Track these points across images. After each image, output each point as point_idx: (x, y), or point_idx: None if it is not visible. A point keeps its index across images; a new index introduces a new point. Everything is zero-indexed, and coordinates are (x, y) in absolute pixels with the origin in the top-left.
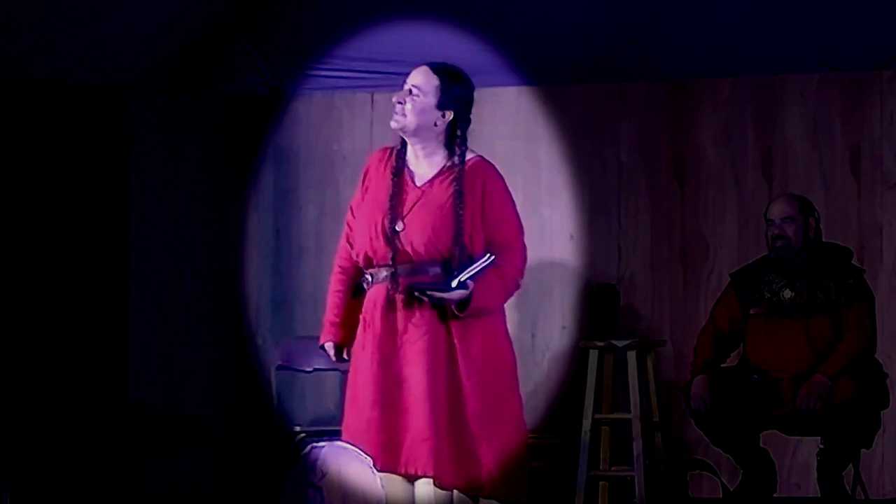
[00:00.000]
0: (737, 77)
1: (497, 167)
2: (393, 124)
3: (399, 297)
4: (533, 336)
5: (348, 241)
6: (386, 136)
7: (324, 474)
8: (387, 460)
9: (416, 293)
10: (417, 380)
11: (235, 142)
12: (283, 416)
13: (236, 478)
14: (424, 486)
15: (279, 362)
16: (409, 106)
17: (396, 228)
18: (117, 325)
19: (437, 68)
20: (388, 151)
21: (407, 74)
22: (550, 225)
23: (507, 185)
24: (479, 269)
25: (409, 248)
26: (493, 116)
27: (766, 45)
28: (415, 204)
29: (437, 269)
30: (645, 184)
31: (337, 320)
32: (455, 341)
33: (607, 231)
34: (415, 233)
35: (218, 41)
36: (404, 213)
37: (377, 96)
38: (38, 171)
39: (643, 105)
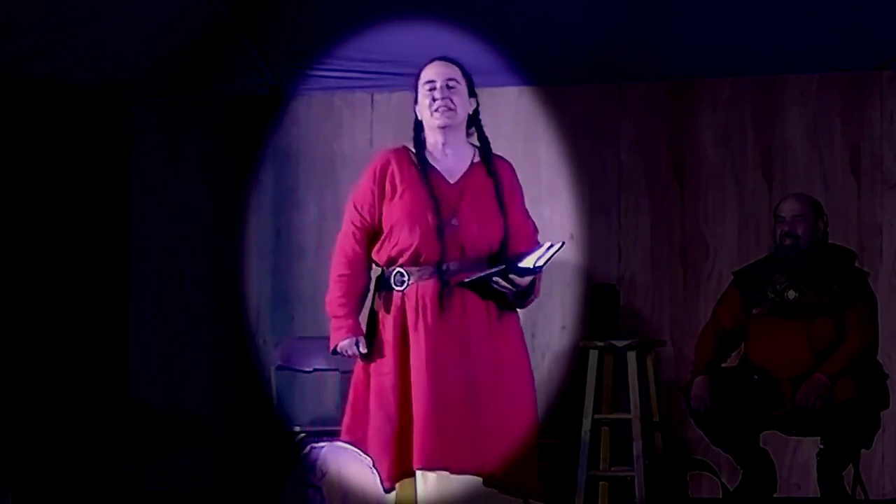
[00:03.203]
0: (737, 77)
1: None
2: (445, 120)
3: (455, 293)
4: (533, 336)
5: (357, 236)
6: (386, 136)
7: (324, 474)
8: (435, 459)
9: (500, 280)
10: (473, 379)
11: (235, 142)
12: (283, 416)
13: (236, 478)
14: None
15: (279, 362)
16: (456, 98)
17: (453, 223)
18: (117, 325)
19: (452, 60)
20: (402, 152)
21: (407, 75)
22: (550, 225)
23: None
24: (554, 253)
25: (462, 243)
26: (493, 116)
27: (766, 45)
28: (459, 200)
29: (485, 264)
30: (645, 184)
31: (352, 321)
32: (497, 336)
33: (607, 231)
34: (467, 228)
35: (218, 41)
36: (453, 210)
37: (377, 96)
38: (38, 171)
39: (643, 105)
